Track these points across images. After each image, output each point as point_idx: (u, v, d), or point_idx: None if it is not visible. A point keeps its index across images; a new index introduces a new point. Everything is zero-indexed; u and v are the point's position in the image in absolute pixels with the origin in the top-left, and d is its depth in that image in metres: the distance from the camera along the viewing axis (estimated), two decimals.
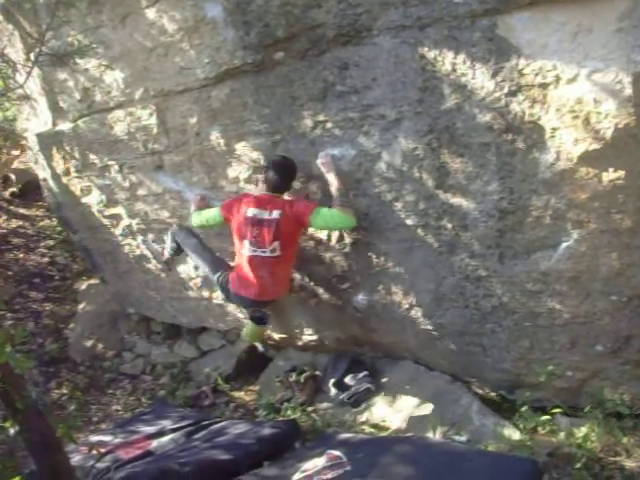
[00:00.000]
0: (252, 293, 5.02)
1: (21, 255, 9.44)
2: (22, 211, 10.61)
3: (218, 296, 6.19)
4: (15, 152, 11.28)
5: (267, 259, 4.85)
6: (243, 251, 4.93)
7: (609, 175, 3.62)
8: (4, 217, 10.28)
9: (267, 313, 5.38)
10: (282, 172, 4.73)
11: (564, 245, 4.00)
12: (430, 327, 4.90)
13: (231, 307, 6.25)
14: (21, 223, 10.26)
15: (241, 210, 4.87)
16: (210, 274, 5.40)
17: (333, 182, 4.56)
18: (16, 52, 6.22)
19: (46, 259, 9.45)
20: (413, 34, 3.89)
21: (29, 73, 4.68)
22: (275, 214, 4.74)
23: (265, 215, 4.78)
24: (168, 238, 5.79)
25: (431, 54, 3.86)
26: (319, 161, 4.62)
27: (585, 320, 4.22)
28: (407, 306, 4.92)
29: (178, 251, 5.70)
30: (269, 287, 5.01)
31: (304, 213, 4.68)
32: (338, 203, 4.52)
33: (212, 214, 5.15)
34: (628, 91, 3.33)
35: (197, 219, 5.29)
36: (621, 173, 3.58)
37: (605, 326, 4.19)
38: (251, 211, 4.82)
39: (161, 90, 5.23)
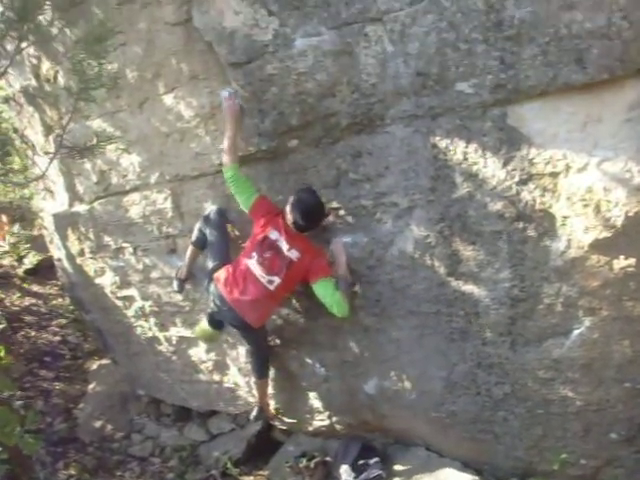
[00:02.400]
0: (230, 296, 4.84)
1: (33, 333, 9.42)
2: (35, 289, 10.62)
3: (229, 379, 6.18)
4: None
5: (260, 284, 4.75)
6: (246, 260, 4.81)
7: (620, 263, 3.62)
8: (17, 294, 10.30)
9: (223, 323, 5.24)
10: (306, 216, 4.54)
11: (576, 332, 3.98)
12: (442, 414, 4.86)
13: (242, 391, 6.24)
14: (34, 301, 10.27)
15: (267, 226, 4.73)
16: (210, 261, 5.20)
17: (341, 270, 4.57)
18: (35, 134, 6.37)
19: (58, 338, 9.42)
20: (425, 123, 3.95)
21: (50, 162, 4.77)
22: (293, 254, 4.67)
23: (284, 248, 4.68)
24: (198, 225, 5.35)
25: (443, 143, 3.92)
26: (331, 247, 4.66)
27: (598, 408, 4.17)
28: (419, 393, 4.88)
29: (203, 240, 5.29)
30: (245, 304, 4.82)
31: (316, 273, 4.65)
32: (342, 289, 4.54)
33: (248, 194, 4.74)
34: (637, 180, 3.36)
35: (232, 174, 4.71)
36: (632, 260, 3.58)
37: (618, 414, 4.13)
38: (274, 234, 4.71)
39: (176, 175, 5.33)
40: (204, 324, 5.32)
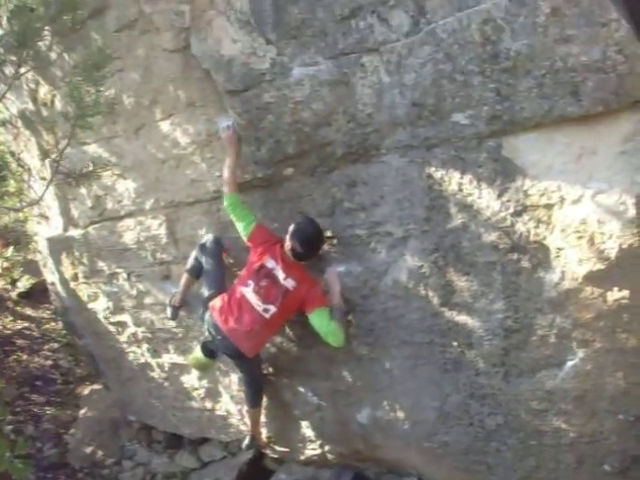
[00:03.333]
0: (225, 325, 4.81)
1: (25, 357, 9.39)
2: (28, 312, 10.61)
3: (221, 407, 6.15)
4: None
5: (256, 313, 4.72)
6: (242, 288, 4.78)
7: (614, 295, 3.61)
8: (10, 318, 10.27)
9: (218, 353, 5.19)
10: (305, 244, 4.53)
11: (569, 364, 3.95)
12: (434, 444, 4.82)
13: (234, 419, 6.20)
14: (26, 324, 10.25)
15: (264, 255, 4.72)
16: (206, 289, 5.20)
17: (336, 299, 4.56)
18: (32, 158, 6.38)
19: (49, 362, 9.40)
20: (420, 154, 3.97)
21: (46, 189, 4.78)
22: (289, 283, 4.64)
23: (280, 276, 4.66)
24: (194, 253, 5.35)
25: (438, 174, 3.93)
26: (326, 276, 4.65)
27: (591, 439, 4.13)
28: (411, 423, 4.84)
29: (198, 269, 5.31)
30: (240, 333, 4.78)
31: (312, 303, 4.62)
32: (337, 318, 4.53)
33: (247, 221, 4.72)
34: (632, 212, 3.35)
35: (231, 202, 4.70)
36: (626, 293, 3.56)
37: (612, 445, 4.09)
38: (271, 263, 4.69)
39: (172, 201, 5.34)
40: (197, 353, 5.29)
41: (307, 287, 4.67)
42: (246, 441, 5.85)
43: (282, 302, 4.67)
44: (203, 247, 5.20)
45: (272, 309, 4.69)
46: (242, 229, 4.72)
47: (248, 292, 4.74)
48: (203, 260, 5.18)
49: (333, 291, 4.58)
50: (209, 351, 5.19)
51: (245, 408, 5.77)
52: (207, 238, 5.21)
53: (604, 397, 3.95)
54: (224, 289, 5.03)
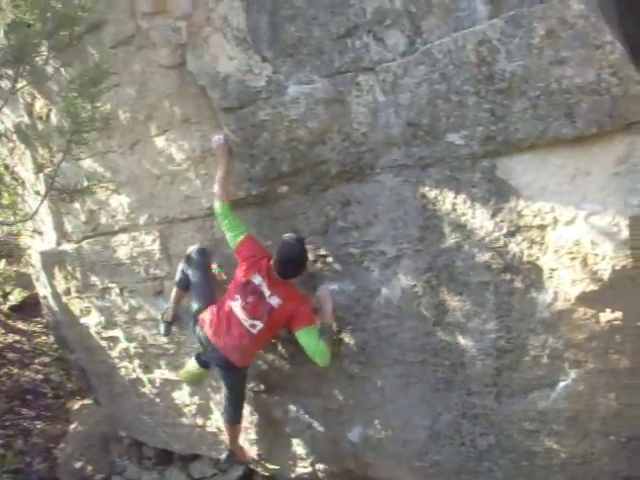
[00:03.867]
0: (214, 337, 4.82)
1: (15, 370, 9.36)
2: (19, 326, 10.58)
3: (212, 424, 6.12)
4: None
5: (243, 328, 4.71)
6: (230, 303, 4.77)
7: (606, 316, 3.60)
8: (1, 331, 10.23)
9: (210, 362, 5.15)
10: (283, 264, 4.52)
11: (562, 384, 3.94)
12: (425, 464, 4.79)
13: (224, 436, 6.14)
14: (18, 338, 10.22)
15: (250, 270, 4.69)
16: (194, 302, 5.19)
17: (327, 317, 4.56)
18: (26, 171, 6.37)
19: (40, 376, 9.36)
20: (415, 173, 3.97)
21: (40, 204, 4.77)
22: (274, 301, 4.63)
23: (266, 293, 4.64)
24: (181, 266, 5.36)
25: (432, 193, 3.93)
26: (318, 294, 4.64)
27: (583, 460, 4.11)
28: (403, 442, 4.82)
29: (186, 282, 5.32)
30: (229, 345, 4.79)
31: (300, 321, 4.61)
32: (325, 338, 4.52)
33: (236, 232, 4.67)
34: (625, 234, 3.35)
35: (222, 211, 4.65)
36: (618, 314, 3.56)
37: (604, 466, 4.07)
38: (257, 279, 4.66)
39: (165, 217, 5.34)
40: (190, 366, 5.27)
41: (295, 304, 4.65)
42: (223, 456, 5.82)
43: (268, 319, 4.66)
44: (189, 259, 5.21)
45: (259, 325, 4.69)
46: (230, 239, 4.70)
47: (236, 307, 4.73)
48: (189, 272, 5.19)
49: (325, 309, 4.58)
50: (203, 362, 5.18)
51: (225, 424, 5.71)
52: (192, 249, 5.23)
53: (596, 418, 3.94)
54: (212, 301, 5.02)
